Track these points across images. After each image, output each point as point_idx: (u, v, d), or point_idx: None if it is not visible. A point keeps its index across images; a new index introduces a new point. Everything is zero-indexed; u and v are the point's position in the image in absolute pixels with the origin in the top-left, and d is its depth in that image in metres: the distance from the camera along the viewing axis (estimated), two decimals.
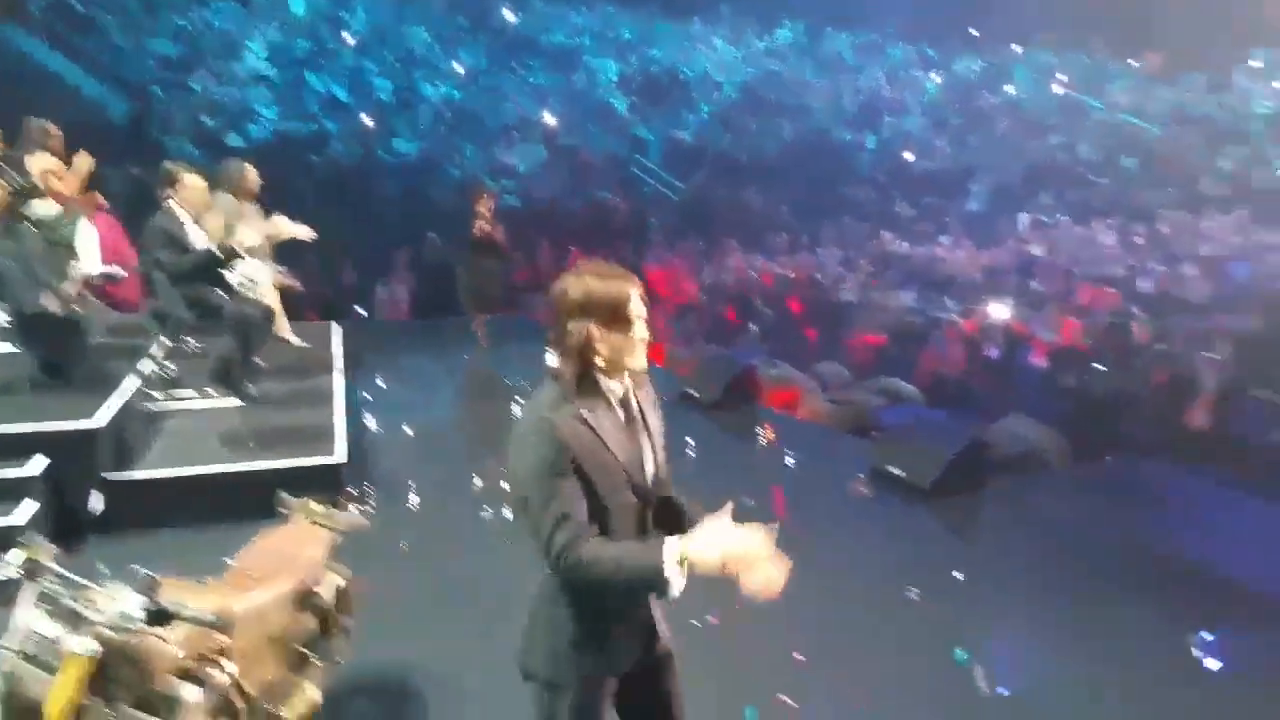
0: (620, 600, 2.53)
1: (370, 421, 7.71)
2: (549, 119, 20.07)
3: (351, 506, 5.50)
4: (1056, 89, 23.23)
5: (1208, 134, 19.82)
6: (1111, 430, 8.06)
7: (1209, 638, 4.87)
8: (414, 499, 6.26)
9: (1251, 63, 21.80)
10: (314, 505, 3.74)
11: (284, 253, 7.57)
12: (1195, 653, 4.78)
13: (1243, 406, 8.25)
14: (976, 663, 4.60)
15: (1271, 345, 8.99)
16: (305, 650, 3.41)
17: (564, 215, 17.21)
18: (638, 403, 2.58)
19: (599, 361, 2.46)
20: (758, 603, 2.32)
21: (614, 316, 2.45)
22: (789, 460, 7.18)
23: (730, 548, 2.27)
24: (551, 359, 2.49)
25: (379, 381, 8.97)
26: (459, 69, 20.89)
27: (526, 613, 2.60)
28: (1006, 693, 4.41)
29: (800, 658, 4.52)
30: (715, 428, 7.96)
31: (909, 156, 21.34)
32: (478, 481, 6.54)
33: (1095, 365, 8.86)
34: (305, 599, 3.42)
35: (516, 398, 8.26)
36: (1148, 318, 10.01)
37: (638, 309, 2.48)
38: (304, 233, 6.97)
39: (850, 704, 4.20)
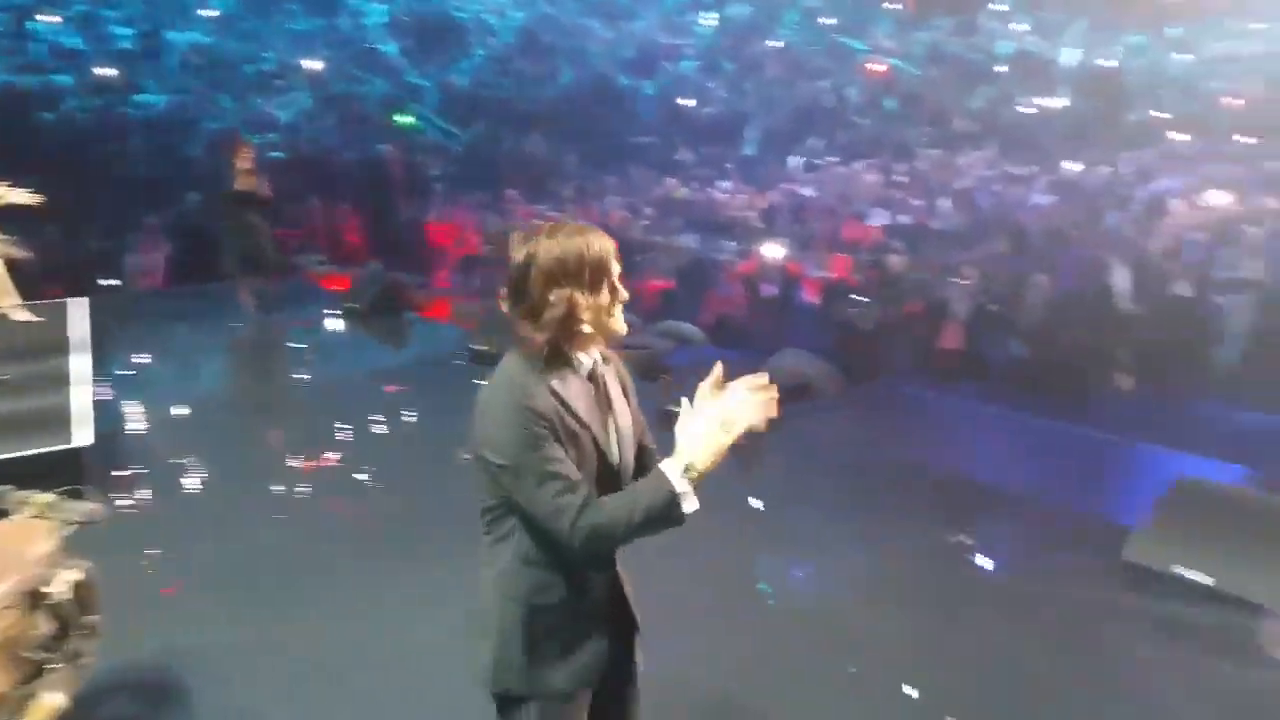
0: (642, 533, 2.24)
1: (125, 402, 7.11)
2: (313, 65, 18.97)
3: (93, 495, 5.06)
4: (822, 32, 24.13)
5: (959, 74, 21.18)
6: (877, 357, 8.56)
7: (968, 540, 5.28)
8: (182, 480, 5.84)
9: (994, 5, 23.34)
10: (39, 497, 3.39)
11: (16, 223, 6.84)
12: (962, 552, 5.17)
13: (986, 327, 8.97)
14: (779, 583, 4.78)
15: (1012, 268, 9.78)
16: (42, 655, 3.11)
17: (337, 168, 16.40)
18: (603, 379, 2.39)
19: (583, 329, 2.27)
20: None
21: (596, 279, 2.26)
22: None
23: (717, 423, 2.20)
24: (523, 329, 2.26)
25: (135, 358, 8.29)
26: (209, 12, 19.36)
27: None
28: (806, 608, 4.64)
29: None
30: None
31: (687, 102, 21.66)
32: (255, 457, 6.17)
33: (859, 298, 9.35)
34: (35, 600, 3.11)
35: (298, 367, 7.85)
36: (906, 250, 10.64)
37: (616, 267, 2.30)
38: (27, 199, 6.37)
39: (663, 633, 4.26)
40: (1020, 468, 6.61)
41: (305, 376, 8.34)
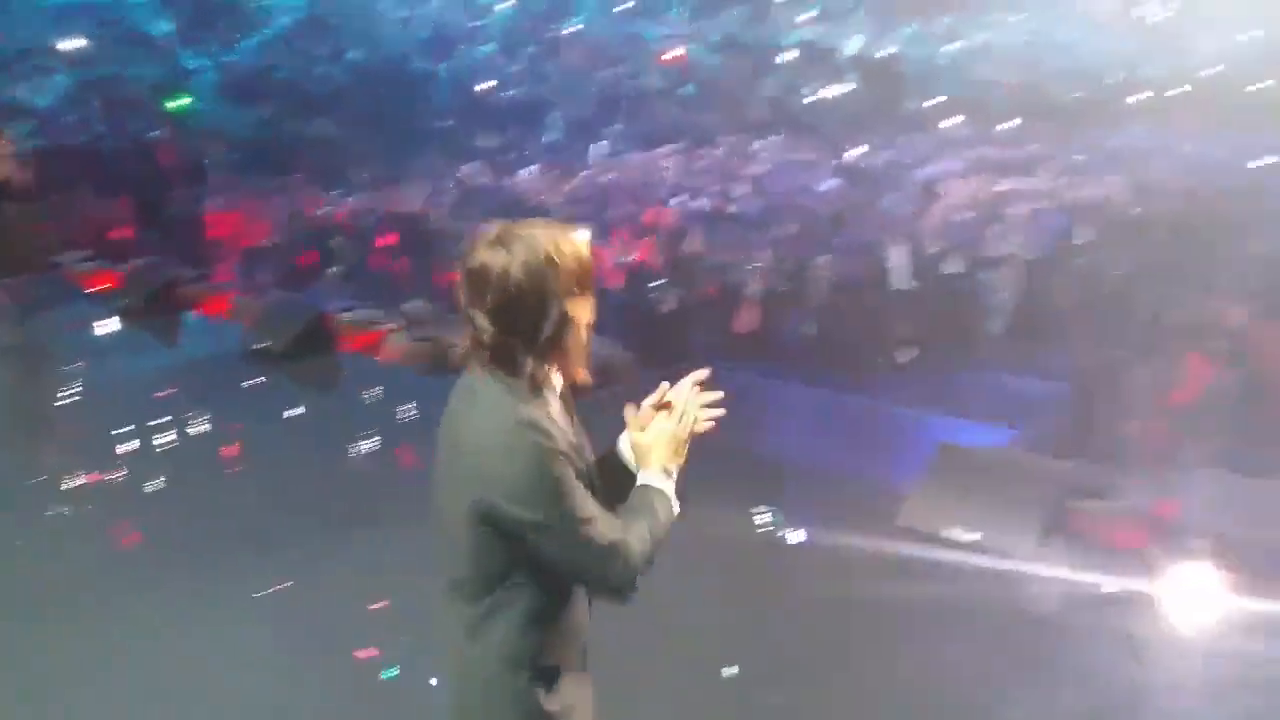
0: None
1: None
2: (72, 45, 17.43)
3: None
4: (617, 18, 24.28)
5: (751, 62, 21.78)
6: (677, 341, 8.69)
7: (769, 514, 5.40)
8: None
9: None
10: None
11: None
12: (766, 528, 5.28)
13: (778, 306, 9.30)
14: None
15: (801, 248, 10.16)
16: None
17: (104, 156, 15.12)
18: (568, 399, 2.20)
19: (580, 346, 2.05)
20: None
21: (584, 285, 2.01)
22: (373, 404, 6.94)
23: (670, 433, 2.20)
24: (504, 348, 1.96)
25: None
26: None
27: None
28: None
29: None
30: (285, 379, 7.50)
31: (486, 86, 21.31)
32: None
33: (659, 282, 9.47)
34: None
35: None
36: (704, 234, 10.85)
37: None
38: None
39: None
40: (818, 441, 6.86)
41: (67, 386, 7.65)
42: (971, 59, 20.61)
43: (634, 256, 10.92)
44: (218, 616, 4.40)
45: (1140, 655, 4.15)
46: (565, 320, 1.98)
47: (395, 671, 4.17)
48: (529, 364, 1.96)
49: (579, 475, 1.99)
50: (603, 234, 11.80)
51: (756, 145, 16.93)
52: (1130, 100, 19.82)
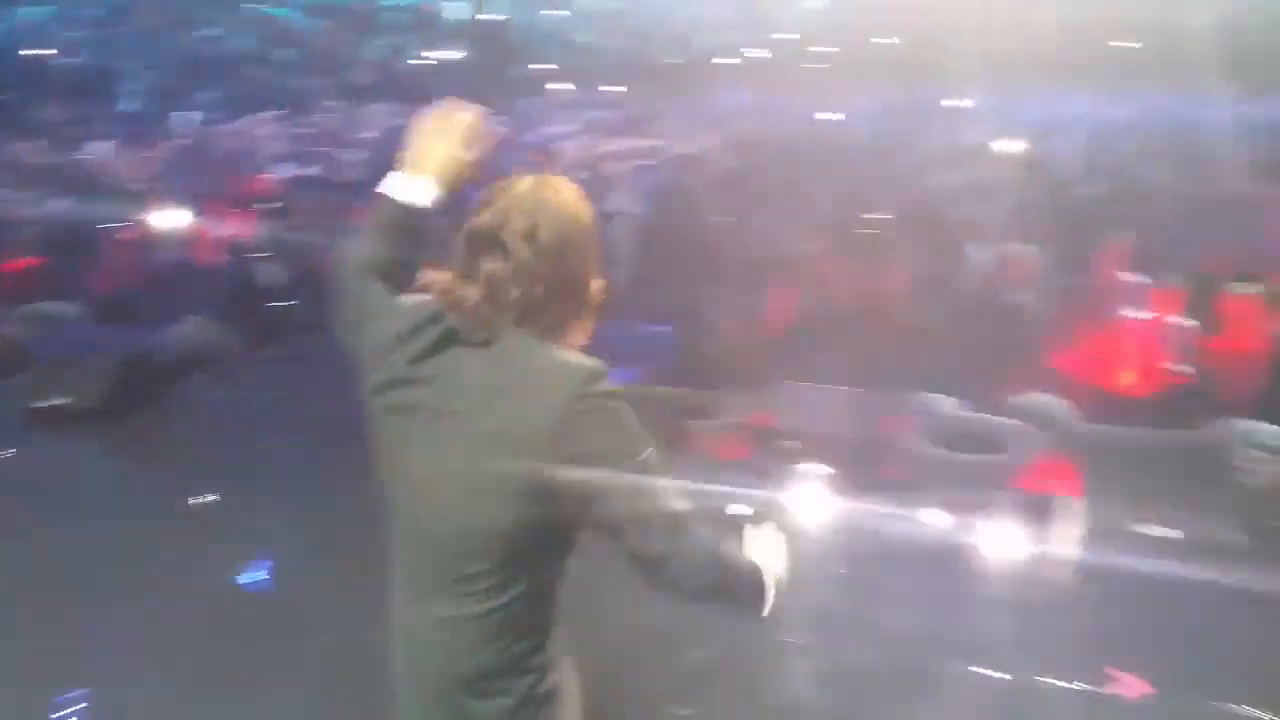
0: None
1: None
2: None
3: None
4: None
5: (352, 25, 20.94)
6: (284, 314, 8.10)
7: None
8: None
9: None
10: None
11: None
12: None
13: None
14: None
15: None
16: None
17: None
18: None
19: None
20: None
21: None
22: None
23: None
24: (558, 317, 1.70)
25: None
26: None
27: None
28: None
29: None
30: None
31: (44, 53, 18.66)
32: None
33: (259, 255, 8.79)
34: None
35: None
36: (311, 203, 10.22)
37: None
38: None
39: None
40: None
41: None
42: (573, 25, 21.30)
43: (234, 231, 10.03)
44: None
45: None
46: (594, 282, 1.81)
47: None
48: (586, 336, 1.80)
49: None
50: (196, 207, 10.75)
51: (363, 111, 16.31)
52: (725, 61, 21.53)
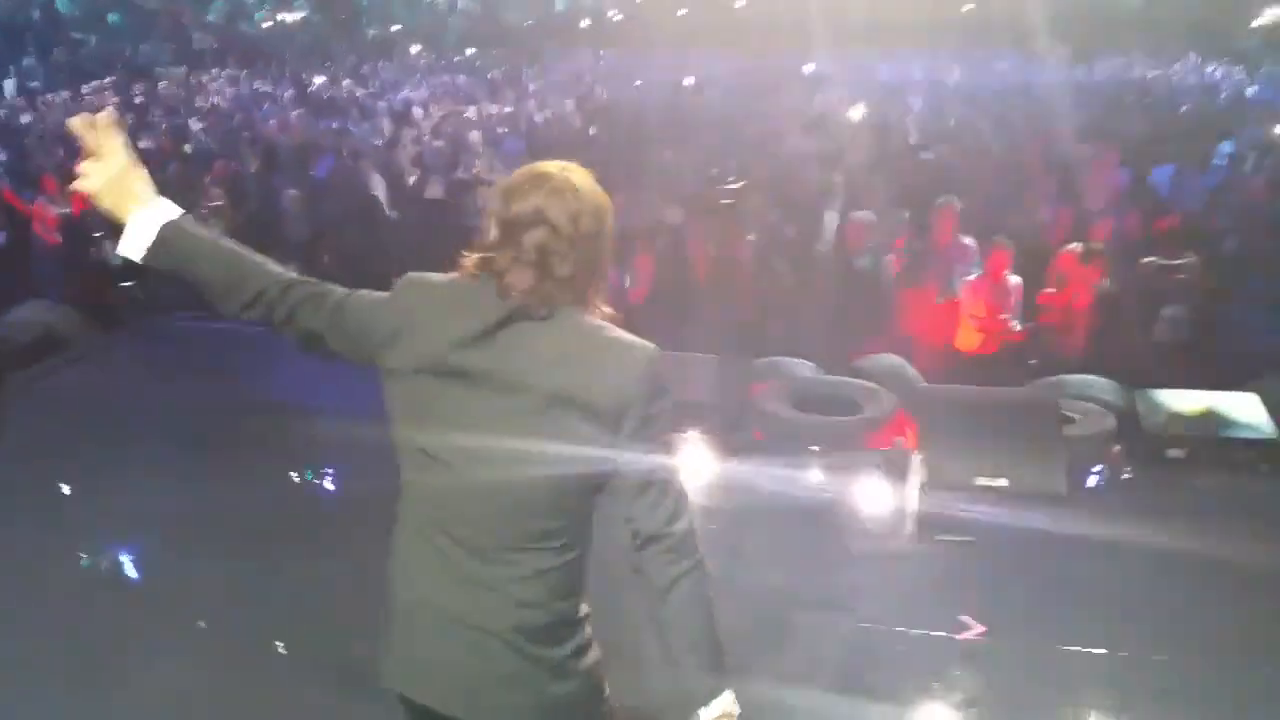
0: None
1: None
2: None
3: None
4: None
5: None
6: (131, 294, 7.77)
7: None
8: None
9: None
10: None
11: None
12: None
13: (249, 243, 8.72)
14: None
15: (264, 185, 9.60)
16: None
17: None
18: None
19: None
20: None
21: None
22: None
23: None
24: (588, 295, 1.84)
25: None
26: None
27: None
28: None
29: None
30: None
31: None
32: None
33: (102, 234, 8.36)
34: None
35: None
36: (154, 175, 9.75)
37: None
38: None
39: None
40: (321, 384, 6.57)
41: None
42: None
43: (72, 209, 9.49)
44: None
45: None
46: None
47: None
48: (596, 299, 1.89)
49: None
50: (30, 186, 10.10)
51: (206, 78, 15.54)
52: (581, 25, 21.38)
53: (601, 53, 19.04)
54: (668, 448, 1.87)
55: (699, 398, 5.23)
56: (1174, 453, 4.74)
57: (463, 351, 1.83)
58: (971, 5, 21.55)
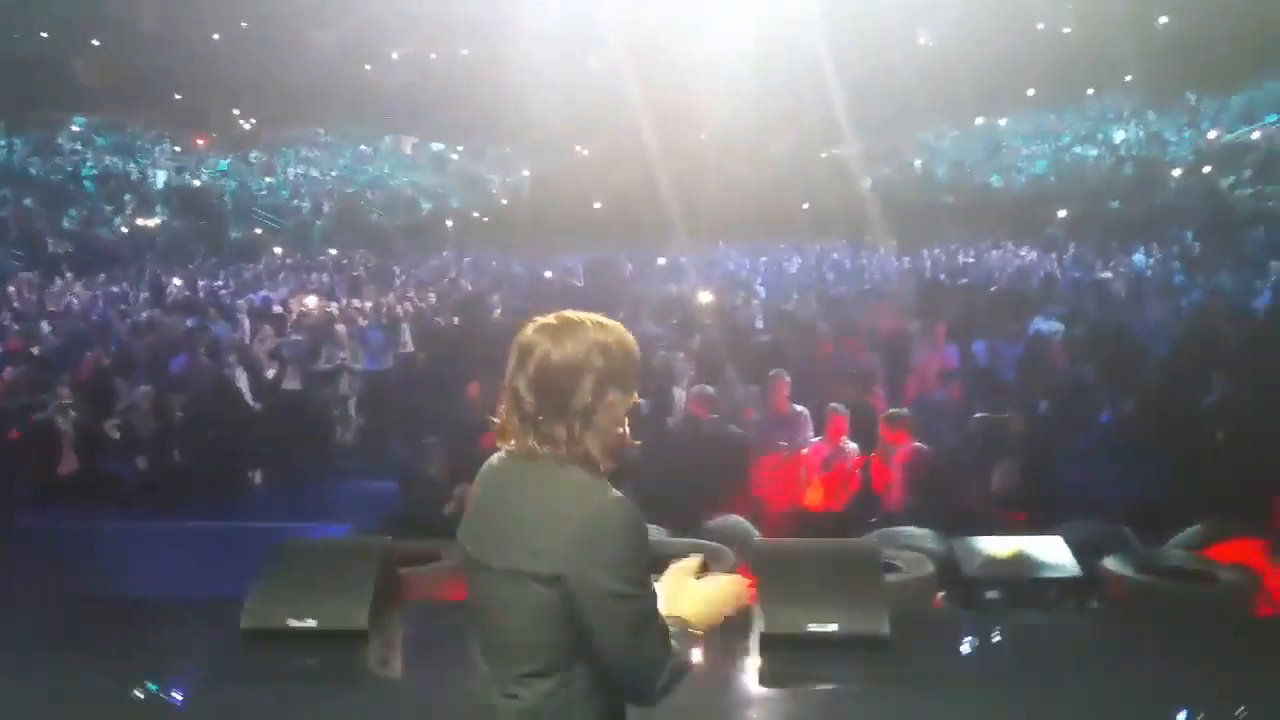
0: None
1: None
2: None
3: None
4: None
5: (45, 197, 19.82)
6: None
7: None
8: None
9: (73, 127, 22.39)
10: None
11: None
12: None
13: (108, 445, 8.66)
14: None
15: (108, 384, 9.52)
16: None
17: None
18: None
19: (622, 434, 2.03)
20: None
21: (630, 381, 2.03)
22: None
23: (716, 598, 2.13)
24: (567, 436, 1.97)
25: None
26: None
27: None
28: None
29: None
30: None
31: None
32: None
33: None
34: None
35: None
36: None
37: None
38: None
39: None
40: (172, 572, 6.44)
41: None
42: (287, 190, 21.36)
43: None
44: None
45: None
46: (599, 400, 1.99)
47: None
48: (562, 433, 1.98)
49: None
50: None
51: (60, 281, 15.36)
52: (447, 224, 22.30)
53: (464, 248, 19.82)
54: (630, 606, 1.94)
55: None
56: (991, 594, 5.08)
57: (471, 512, 2.19)
58: (807, 204, 23.44)
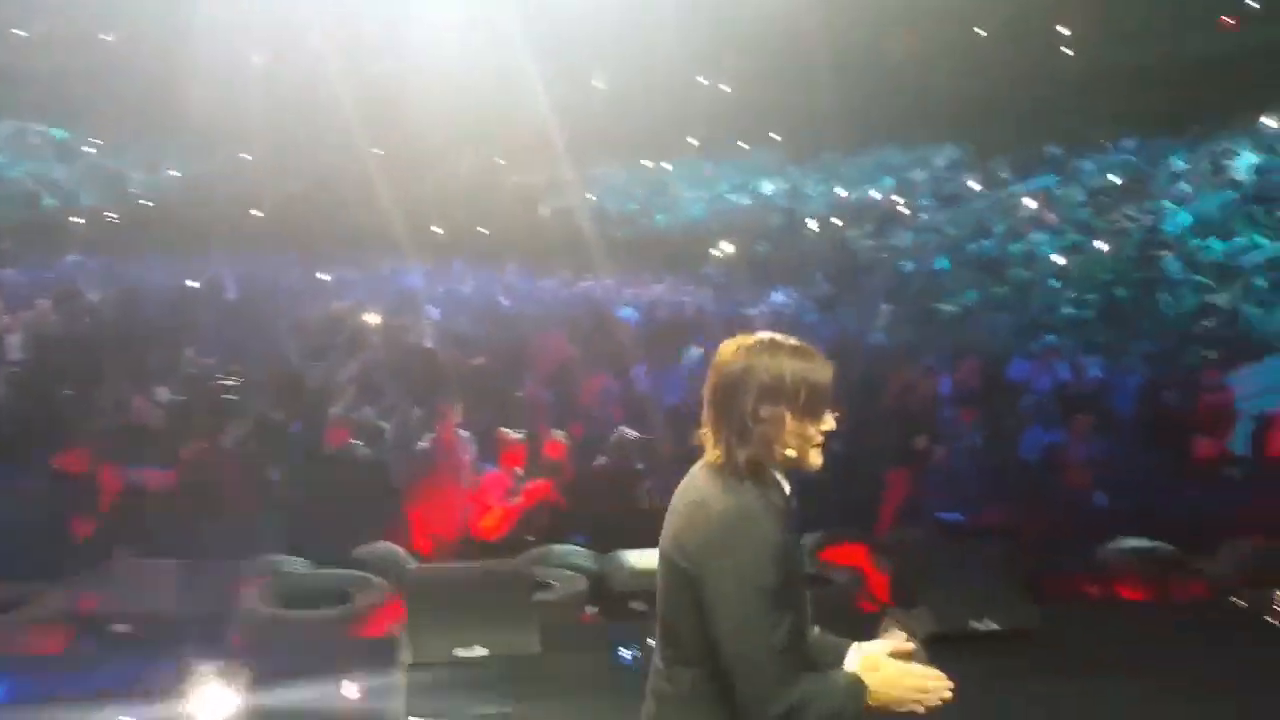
0: None
1: None
2: None
3: None
4: None
5: None
6: None
7: None
8: None
9: None
10: None
11: None
12: None
13: None
14: None
15: None
16: None
17: None
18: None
19: (788, 454, 2.24)
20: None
21: (811, 405, 2.23)
22: None
23: (909, 685, 2.20)
24: (721, 442, 2.22)
25: None
26: None
27: None
28: None
29: None
30: None
31: None
32: None
33: None
34: None
35: None
36: None
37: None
38: None
39: None
40: None
41: None
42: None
43: None
44: None
45: None
46: (779, 429, 2.20)
47: None
48: (743, 459, 2.19)
49: (790, 573, 2.19)
50: None
51: None
52: (72, 221, 19.88)
53: (94, 251, 17.73)
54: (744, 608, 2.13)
55: (169, 607, 4.79)
56: (636, 604, 5.23)
57: None
58: (486, 229, 23.46)
